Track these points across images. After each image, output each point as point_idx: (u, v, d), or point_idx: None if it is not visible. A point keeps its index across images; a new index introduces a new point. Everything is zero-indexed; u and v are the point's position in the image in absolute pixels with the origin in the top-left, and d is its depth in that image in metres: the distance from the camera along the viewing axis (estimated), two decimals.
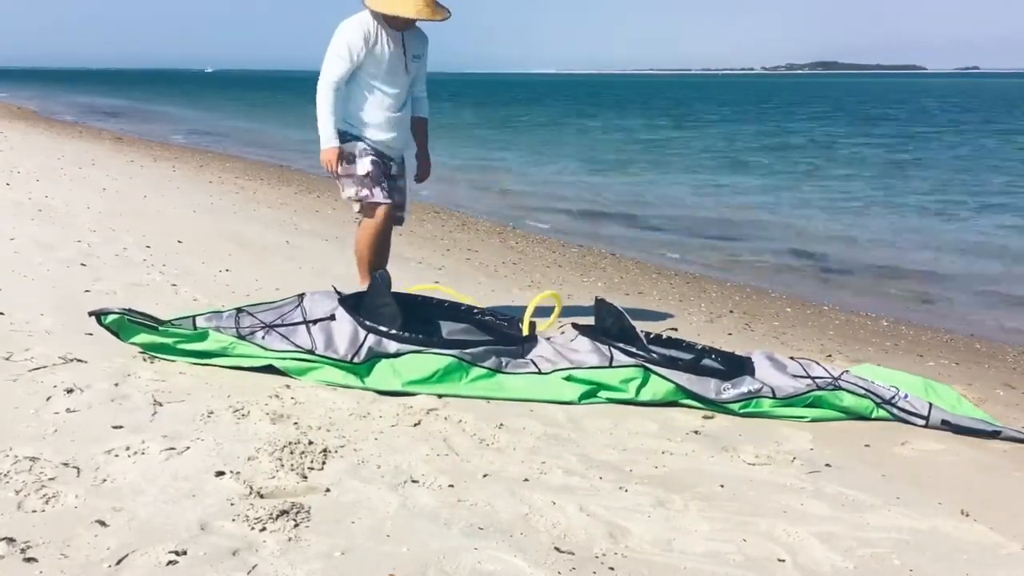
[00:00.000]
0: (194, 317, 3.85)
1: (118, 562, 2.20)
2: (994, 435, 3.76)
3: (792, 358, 4.19)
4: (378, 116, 4.58)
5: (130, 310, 3.75)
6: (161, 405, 3.25)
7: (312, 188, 12.01)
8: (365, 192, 4.58)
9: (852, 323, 6.59)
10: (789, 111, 44.97)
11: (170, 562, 2.21)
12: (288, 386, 3.58)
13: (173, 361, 3.73)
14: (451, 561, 2.33)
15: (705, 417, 3.71)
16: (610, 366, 3.85)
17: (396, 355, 3.76)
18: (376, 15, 4.46)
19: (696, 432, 3.54)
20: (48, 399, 3.20)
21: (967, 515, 2.88)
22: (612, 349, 3.93)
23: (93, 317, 3.72)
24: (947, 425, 3.79)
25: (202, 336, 3.74)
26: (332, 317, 3.84)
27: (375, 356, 3.74)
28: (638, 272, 8.03)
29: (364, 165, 4.56)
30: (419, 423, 3.34)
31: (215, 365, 3.74)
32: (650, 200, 13.55)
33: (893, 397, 3.88)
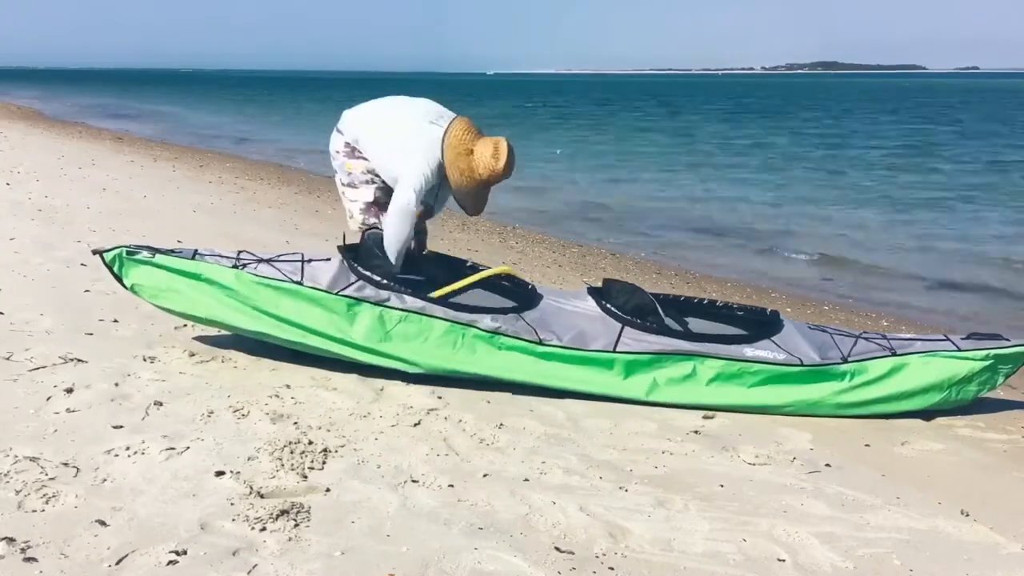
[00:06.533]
0: (196, 251, 3.97)
1: (118, 562, 2.20)
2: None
3: (819, 327, 4.15)
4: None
5: (130, 246, 3.89)
6: (161, 405, 3.26)
7: (312, 188, 12.00)
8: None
9: (852, 323, 6.58)
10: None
11: (170, 562, 2.22)
12: (288, 386, 3.58)
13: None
14: (451, 561, 2.33)
15: (705, 417, 3.72)
16: (614, 351, 3.79)
17: (382, 303, 3.78)
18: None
19: (696, 432, 3.54)
20: (48, 399, 3.21)
21: (967, 515, 2.88)
22: (621, 331, 3.83)
23: (98, 256, 3.89)
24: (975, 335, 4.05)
25: (198, 263, 3.87)
26: (327, 259, 3.94)
27: (361, 299, 3.78)
28: (638, 272, 8.03)
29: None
30: (419, 423, 3.35)
31: (199, 318, 3.88)
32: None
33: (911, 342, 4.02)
